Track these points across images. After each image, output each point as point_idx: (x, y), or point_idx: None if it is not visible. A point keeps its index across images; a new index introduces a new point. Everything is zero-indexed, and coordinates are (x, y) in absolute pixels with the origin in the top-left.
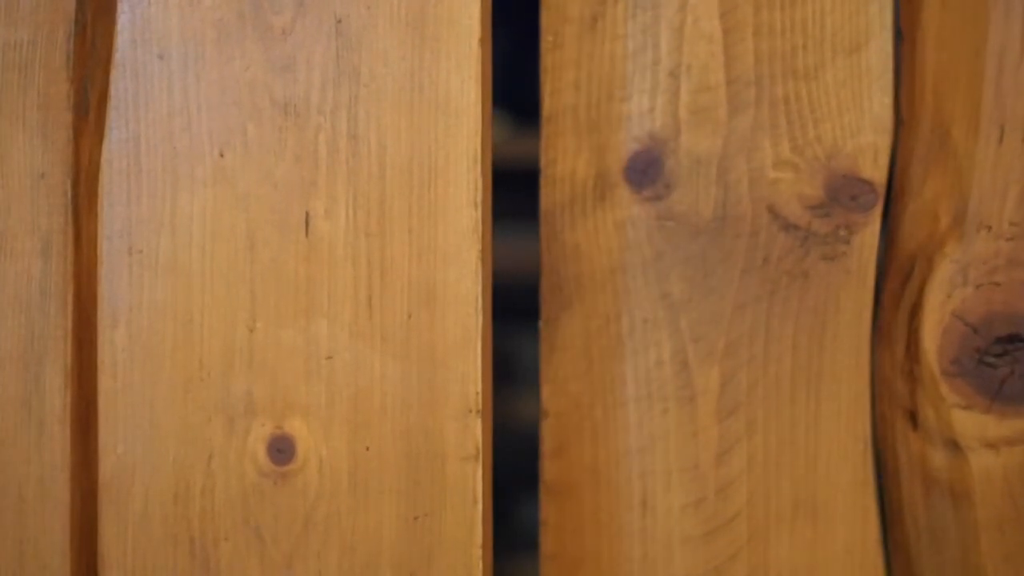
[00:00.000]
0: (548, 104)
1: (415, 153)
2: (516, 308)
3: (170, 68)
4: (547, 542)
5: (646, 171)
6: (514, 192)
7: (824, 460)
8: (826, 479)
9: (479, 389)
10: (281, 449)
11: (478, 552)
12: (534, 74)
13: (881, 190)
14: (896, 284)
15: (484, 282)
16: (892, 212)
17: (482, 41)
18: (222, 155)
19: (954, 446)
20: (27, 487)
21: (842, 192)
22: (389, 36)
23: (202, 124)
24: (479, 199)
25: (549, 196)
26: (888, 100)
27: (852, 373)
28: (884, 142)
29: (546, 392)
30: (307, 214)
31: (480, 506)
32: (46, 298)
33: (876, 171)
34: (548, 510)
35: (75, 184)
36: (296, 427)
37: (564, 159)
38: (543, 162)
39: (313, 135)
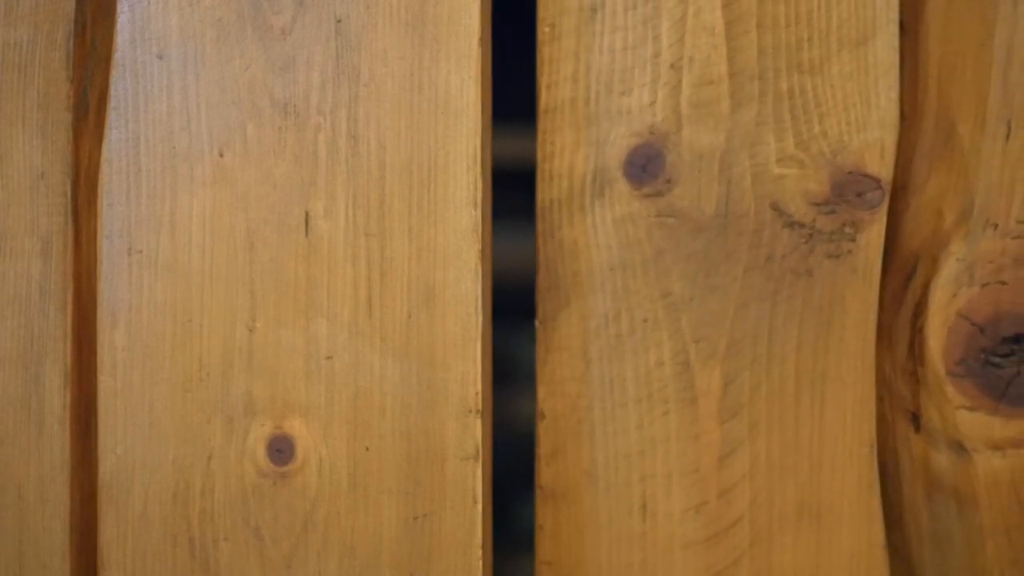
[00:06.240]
0: (545, 97)
1: (415, 153)
2: (516, 308)
3: (170, 68)
4: (543, 548)
5: (646, 166)
6: (514, 192)
7: (828, 463)
8: (830, 483)
9: (479, 389)
10: (281, 449)
11: (478, 552)
12: (534, 73)
13: (887, 187)
14: (897, 283)
15: (484, 282)
16: (893, 209)
17: (482, 41)
18: (222, 155)
19: (959, 448)
20: (27, 487)
21: (848, 189)
22: (389, 36)
23: (202, 124)
24: (479, 199)
25: (546, 192)
26: (895, 95)
27: (857, 375)
28: (891, 138)
29: (542, 393)
30: (307, 214)
31: (480, 506)
32: (46, 298)
33: (883, 167)
34: (544, 515)
35: (75, 184)
36: (296, 427)
37: (561, 154)
38: (539, 157)
39: (313, 135)
